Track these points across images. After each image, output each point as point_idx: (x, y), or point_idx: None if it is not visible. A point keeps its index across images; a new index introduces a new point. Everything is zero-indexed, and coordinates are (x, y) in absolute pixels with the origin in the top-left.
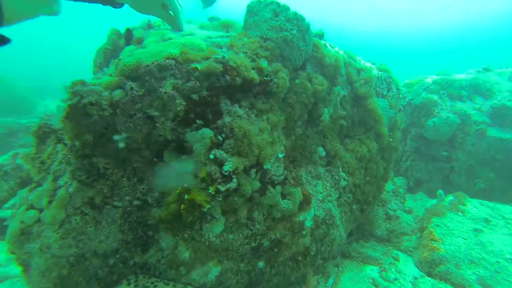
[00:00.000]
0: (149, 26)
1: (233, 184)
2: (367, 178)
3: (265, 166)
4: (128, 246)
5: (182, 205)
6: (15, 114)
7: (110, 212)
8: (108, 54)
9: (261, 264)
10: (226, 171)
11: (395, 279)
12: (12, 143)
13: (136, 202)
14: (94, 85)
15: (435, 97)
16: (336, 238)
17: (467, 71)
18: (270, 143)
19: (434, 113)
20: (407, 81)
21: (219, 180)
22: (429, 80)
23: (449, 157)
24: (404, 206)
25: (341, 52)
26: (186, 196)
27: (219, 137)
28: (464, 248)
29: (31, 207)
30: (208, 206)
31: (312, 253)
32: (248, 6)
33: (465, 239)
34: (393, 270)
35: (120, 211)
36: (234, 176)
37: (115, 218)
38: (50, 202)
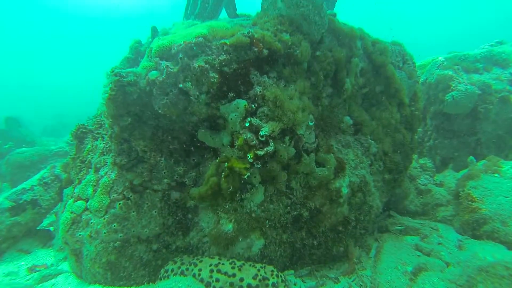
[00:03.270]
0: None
1: (270, 148)
2: (396, 146)
3: (298, 132)
4: (169, 230)
5: (222, 173)
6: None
7: (150, 196)
8: (130, 62)
9: (302, 234)
10: (262, 136)
11: (438, 243)
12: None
13: (174, 184)
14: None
15: (450, 72)
16: (374, 206)
17: (479, 47)
18: (301, 109)
19: (451, 87)
20: (418, 63)
21: (257, 146)
22: (441, 58)
23: (473, 129)
24: (434, 180)
25: None
26: (226, 164)
27: (253, 106)
28: (508, 206)
29: (78, 198)
30: (248, 174)
31: (351, 222)
32: None
33: (507, 197)
34: (434, 235)
35: (159, 195)
36: (271, 140)
37: (155, 202)
38: (95, 191)
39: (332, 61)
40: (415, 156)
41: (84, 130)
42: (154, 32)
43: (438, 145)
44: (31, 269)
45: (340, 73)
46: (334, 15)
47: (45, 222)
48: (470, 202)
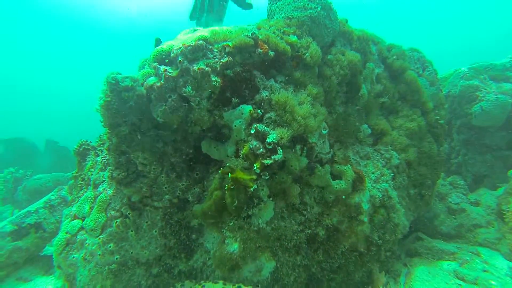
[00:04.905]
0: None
1: (279, 156)
2: (421, 158)
3: (310, 140)
4: (171, 252)
5: (226, 186)
6: (63, 171)
7: (150, 214)
8: None
9: (319, 256)
10: (270, 143)
11: (484, 270)
12: None
13: (175, 201)
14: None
15: (475, 82)
16: (400, 224)
17: (506, 56)
18: (313, 114)
19: (479, 98)
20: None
21: (264, 155)
22: (464, 68)
23: (511, 142)
24: (468, 198)
25: None
26: (229, 175)
27: (259, 111)
28: None
29: (75, 217)
30: (254, 186)
31: (375, 243)
32: None
33: None
34: (477, 261)
35: (160, 213)
36: (279, 148)
37: (156, 221)
38: (91, 208)
39: (346, 65)
40: (442, 175)
41: (86, 147)
42: (158, 43)
43: (468, 161)
44: None
45: (355, 77)
46: (346, 20)
47: (49, 247)
48: None
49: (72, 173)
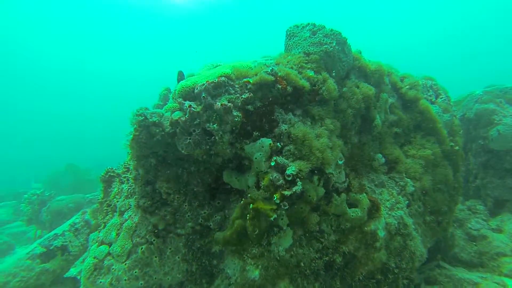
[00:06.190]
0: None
1: (298, 187)
2: (436, 184)
3: (327, 171)
4: (193, 277)
5: (247, 215)
6: (83, 193)
7: (173, 240)
8: (159, 108)
9: (336, 283)
10: (289, 175)
11: None
12: None
13: (198, 228)
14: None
15: (491, 106)
16: (416, 252)
17: None
18: (330, 147)
19: (495, 121)
20: (452, 99)
21: (283, 186)
22: (478, 92)
23: None
24: (489, 224)
25: None
26: (251, 206)
27: (278, 145)
28: None
29: (102, 242)
30: (274, 215)
31: (392, 270)
32: (287, 31)
33: None
34: None
35: (183, 239)
36: (298, 180)
37: (179, 247)
38: (118, 235)
39: (361, 98)
40: (460, 198)
41: (112, 174)
42: (181, 77)
43: (487, 185)
44: None
45: (369, 109)
46: (359, 52)
47: (73, 270)
48: None
49: (98, 199)
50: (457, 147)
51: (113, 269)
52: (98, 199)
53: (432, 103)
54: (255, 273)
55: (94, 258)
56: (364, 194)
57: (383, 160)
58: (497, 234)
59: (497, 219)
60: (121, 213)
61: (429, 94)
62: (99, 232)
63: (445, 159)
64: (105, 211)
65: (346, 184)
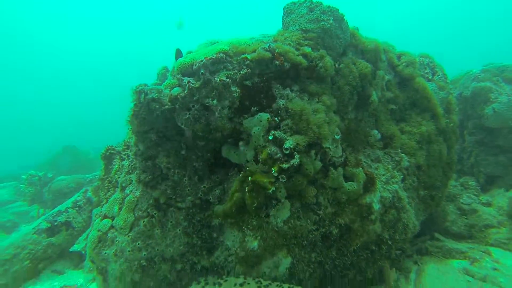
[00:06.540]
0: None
1: (295, 161)
2: (431, 160)
3: (324, 145)
4: (194, 249)
5: (246, 188)
6: (83, 174)
7: (174, 214)
8: None
9: (332, 253)
10: (287, 149)
11: (494, 269)
12: None
13: (197, 202)
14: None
15: (488, 84)
16: (409, 224)
17: None
18: (327, 122)
19: (491, 99)
20: (449, 78)
21: (281, 159)
22: (475, 70)
23: None
24: (479, 199)
25: None
26: (249, 179)
27: (276, 119)
28: None
29: (105, 216)
30: (272, 188)
31: (386, 242)
32: (284, 8)
33: None
34: (487, 259)
35: (183, 213)
36: (295, 153)
37: (179, 220)
38: (120, 209)
39: (358, 75)
40: (454, 176)
41: (112, 152)
42: (178, 54)
43: (481, 162)
44: None
45: (365, 86)
46: (357, 29)
47: (77, 246)
48: None
49: (99, 176)
50: (452, 124)
51: (117, 241)
52: (100, 176)
53: (429, 80)
54: (254, 244)
55: (98, 231)
56: (360, 168)
57: (379, 136)
58: (487, 207)
59: (487, 194)
60: (123, 188)
61: (426, 71)
62: (102, 207)
63: (439, 136)
64: (106, 187)
65: (342, 158)
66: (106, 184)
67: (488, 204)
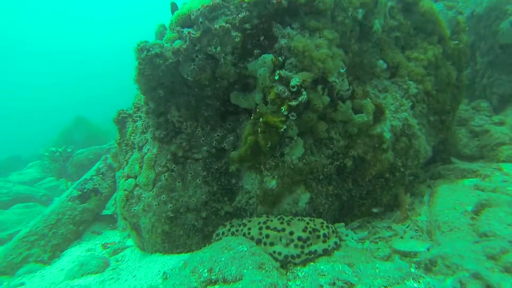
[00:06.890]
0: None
1: (303, 97)
2: (439, 85)
3: (330, 79)
4: (215, 197)
5: (258, 129)
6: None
7: (192, 165)
8: None
9: (349, 185)
10: (293, 86)
11: (504, 181)
12: None
13: (213, 151)
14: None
15: None
16: (421, 149)
17: None
18: (330, 57)
19: (508, 12)
20: None
21: (289, 97)
22: None
23: None
24: (492, 120)
25: None
26: (260, 120)
27: (280, 59)
28: None
29: (128, 176)
30: (284, 126)
31: (399, 169)
32: None
33: None
34: (498, 174)
35: (201, 163)
36: (302, 90)
37: (198, 171)
38: (141, 167)
39: (358, 5)
40: (465, 100)
41: (124, 115)
42: (174, 8)
43: (494, 83)
44: (104, 246)
45: (368, 16)
46: None
47: (106, 211)
48: None
49: (116, 140)
50: (461, 45)
51: (143, 197)
52: (116, 141)
53: (436, 0)
54: (272, 183)
55: (124, 190)
56: (368, 99)
57: (384, 65)
58: (499, 127)
59: (501, 114)
60: (140, 148)
61: None
62: (123, 168)
63: (447, 59)
64: (124, 150)
65: (350, 91)
66: (124, 147)
67: (501, 123)
